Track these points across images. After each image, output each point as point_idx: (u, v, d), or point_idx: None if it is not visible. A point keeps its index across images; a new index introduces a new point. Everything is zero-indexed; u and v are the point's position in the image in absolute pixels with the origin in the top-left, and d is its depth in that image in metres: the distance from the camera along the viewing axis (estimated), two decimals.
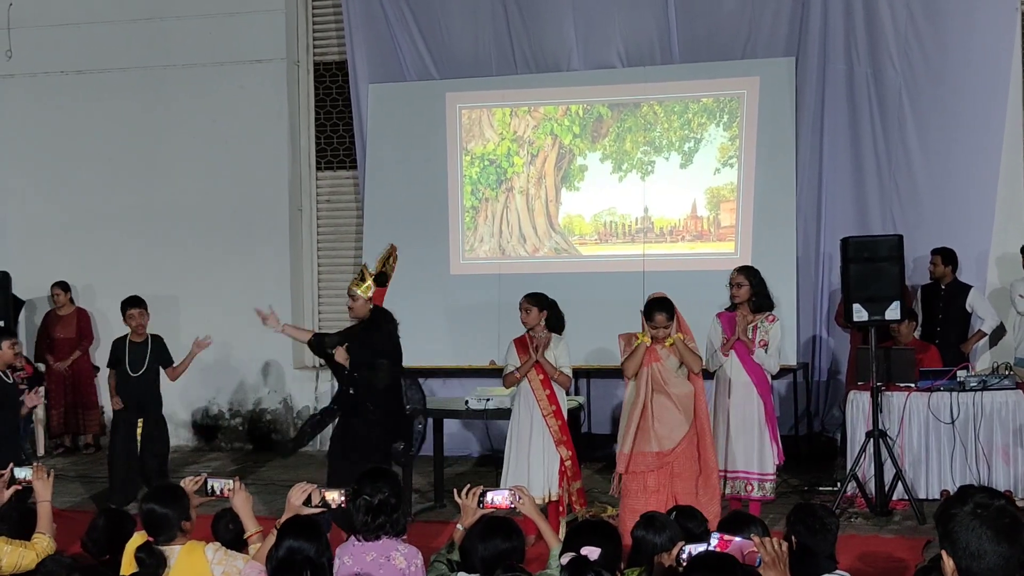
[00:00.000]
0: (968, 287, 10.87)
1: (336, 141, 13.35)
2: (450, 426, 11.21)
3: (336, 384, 8.80)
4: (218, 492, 5.35)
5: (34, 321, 13.18)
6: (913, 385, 9.51)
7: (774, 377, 9.12)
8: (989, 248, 11.25)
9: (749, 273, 8.96)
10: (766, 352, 8.74)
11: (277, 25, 13.05)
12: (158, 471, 9.84)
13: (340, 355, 8.40)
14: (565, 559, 4.54)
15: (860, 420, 9.50)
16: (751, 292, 8.84)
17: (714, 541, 4.25)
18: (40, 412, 12.52)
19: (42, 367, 12.56)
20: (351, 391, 8.48)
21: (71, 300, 12.89)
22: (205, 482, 5.39)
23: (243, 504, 5.29)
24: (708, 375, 8.96)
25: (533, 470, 8.57)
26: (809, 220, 11.66)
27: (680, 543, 4.54)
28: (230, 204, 13.08)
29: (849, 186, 11.63)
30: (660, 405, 8.07)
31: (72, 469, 11.91)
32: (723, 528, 5.05)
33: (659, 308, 8.11)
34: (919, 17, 11.33)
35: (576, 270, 12.04)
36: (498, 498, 5.22)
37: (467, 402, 9.79)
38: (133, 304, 10.07)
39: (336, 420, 8.80)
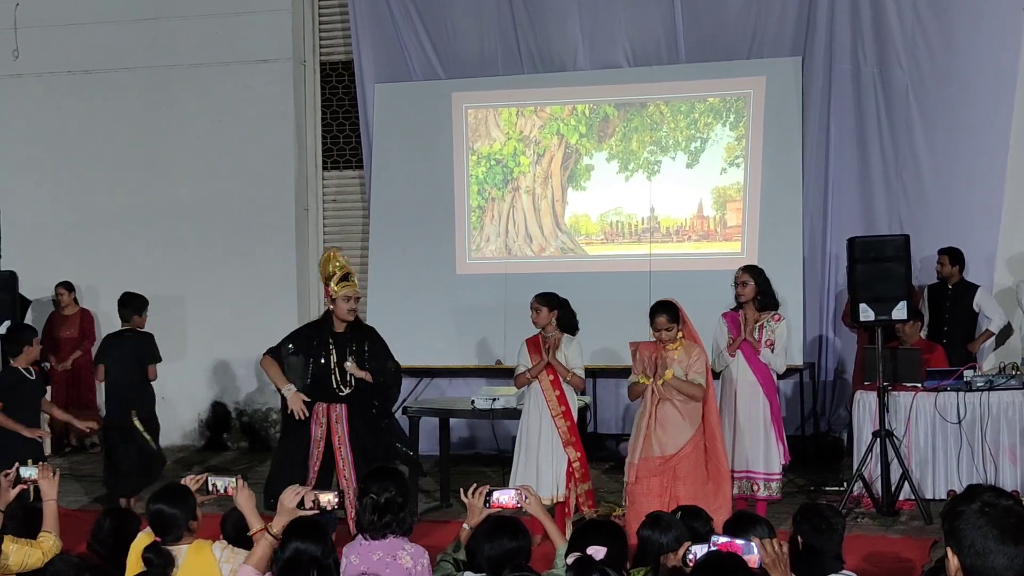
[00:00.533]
0: (975, 287, 10.85)
1: (342, 141, 13.35)
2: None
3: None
4: (221, 490, 5.35)
5: (40, 321, 13.18)
6: (920, 385, 9.50)
7: (780, 377, 9.10)
8: (996, 248, 11.23)
9: (754, 272, 8.95)
10: (772, 351, 8.73)
11: (283, 25, 13.05)
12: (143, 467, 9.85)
13: (358, 371, 8.19)
14: (571, 559, 4.54)
15: (866, 420, 9.49)
16: (756, 291, 8.83)
17: (714, 543, 4.25)
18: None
19: (47, 366, 12.56)
20: (350, 394, 8.29)
21: (75, 300, 12.89)
22: (206, 481, 5.40)
23: (246, 502, 5.28)
24: (714, 375, 8.95)
25: (542, 471, 8.57)
26: (815, 220, 11.65)
27: (686, 543, 4.54)
28: (236, 204, 13.09)
29: (856, 186, 11.62)
30: (664, 412, 8.07)
31: (79, 468, 11.91)
32: (728, 528, 5.05)
33: (661, 310, 8.07)
34: (926, 17, 11.31)
35: (582, 270, 12.04)
36: (504, 497, 5.22)
37: (473, 402, 9.78)
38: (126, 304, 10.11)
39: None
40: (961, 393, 9.36)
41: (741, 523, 5.10)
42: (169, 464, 10.76)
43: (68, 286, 12.81)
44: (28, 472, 6.00)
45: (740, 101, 11.76)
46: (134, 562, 5.29)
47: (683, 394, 8.01)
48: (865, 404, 9.53)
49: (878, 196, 11.53)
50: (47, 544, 5.76)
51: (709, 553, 4.23)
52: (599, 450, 11.37)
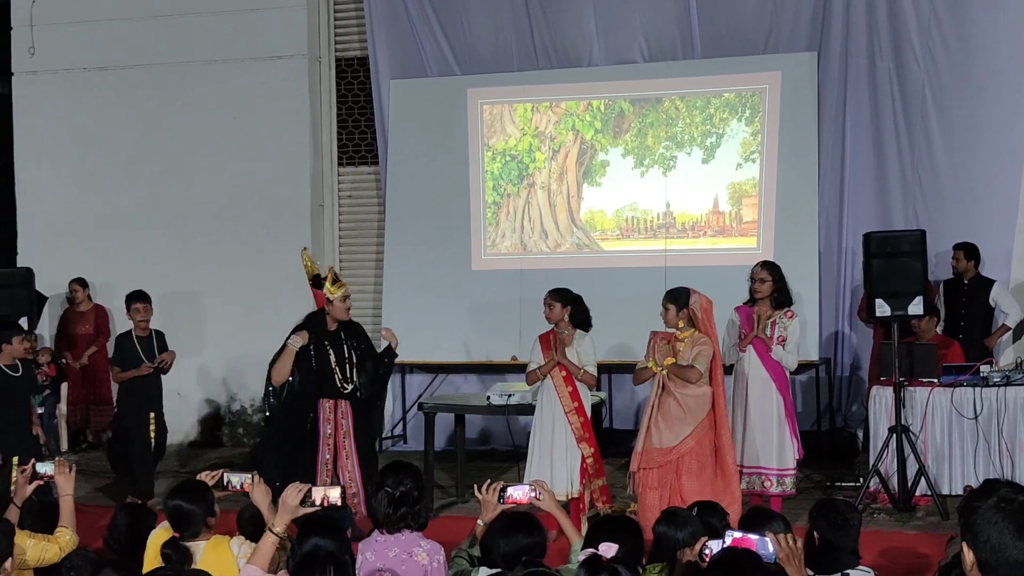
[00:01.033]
0: (991, 282, 10.81)
1: (358, 137, 13.36)
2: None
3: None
4: (237, 486, 5.36)
5: (55, 317, 13.22)
6: (936, 380, 9.47)
7: (794, 373, 9.08)
8: (1012, 242, 11.19)
9: (772, 269, 8.93)
10: (784, 348, 8.71)
11: (299, 21, 13.07)
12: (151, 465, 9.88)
13: (393, 337, 8.52)
14: (582, 556, 4.53)
15: (883, 415, 9.46)
16: (773, 288, 8.81)
17: (728, 539, 4.25)
18: (63, 407, 12.59)
19: (63, 363, 12.60)
20: (352, 391, 8.47)
21: (88, 296, 12.91)
22: (222, 476, 5.41)
23: (262, 498, 5.30)
24: (726, 370, 8.94)
25: (556, 467, 8.57)
26: (831, 215, 11.62)
27: (702, 539, 4.53)
28: (252, 200, 13.10)
29: (871, 181, 11.59)
30: (665, 404, 8.12)
31: (95, 465, 11.93)
32: (745, 523, 5.05)
33: (666, 299, 8.21)
34: (942, 12, 11.27)
35: (598, 265, 12.04)
36: (518, 493, 5.22)
37: (489, 398, 9.79)
38: (138, 299, 10.04)
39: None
40: (978, 388, 9.34)
41: (757, 519, 5.10)
42: (184, 460, 10.77)
43: (82, 282, 12.83)
44: (44, 468, 6.02)
45: (756, 96, 11.74)
46: (152, 557, 5.30)
47: (680, 378, 8.04)
48: (881, 400, 9.51)
49: (894, 191, 11.50)
50: (64, 539, 5.78)
51: (725, 549, 4.22)
52: (614, 446, 11.35)
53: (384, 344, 8.73)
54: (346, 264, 13.37)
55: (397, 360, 9.01)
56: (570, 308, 8.71)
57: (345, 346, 8.45)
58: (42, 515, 6.10)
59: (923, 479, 9.11)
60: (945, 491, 9.30)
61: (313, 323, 8.57)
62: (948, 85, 11.32)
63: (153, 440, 9.97)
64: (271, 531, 5.02)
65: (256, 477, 5.34)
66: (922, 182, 11.43)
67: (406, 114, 12.67)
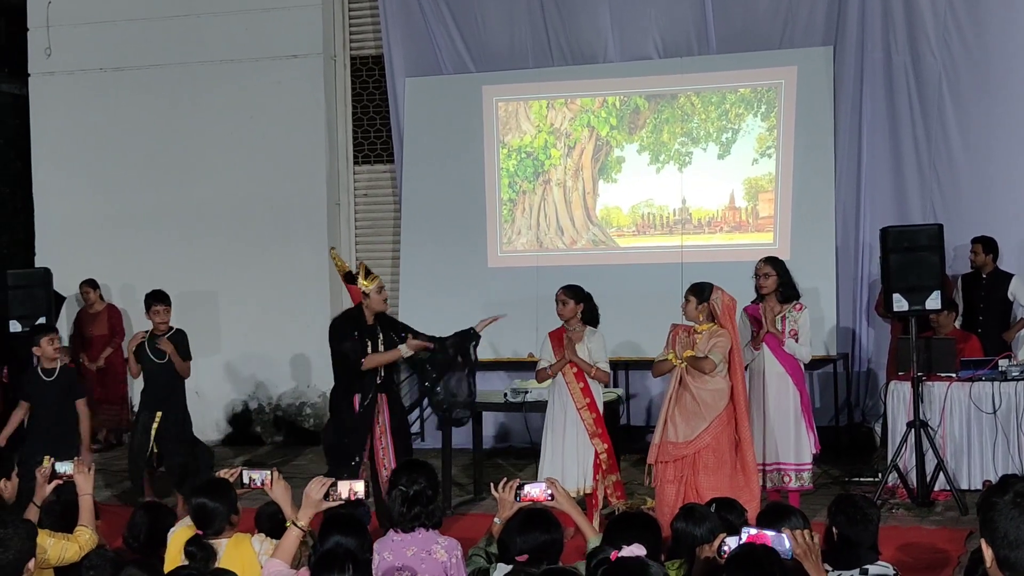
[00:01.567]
0: (1010, 275, 10.77)
1: (373, 135, 13.38)
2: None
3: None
4: (258, 484, 5.38)
5: (70, 319, 13.26)
6: (954, 375, 9.44)
7: (809, 367, 9.07)
8: None
9: (775, 264, 8.93)
10: (797, 341, 8.70)
11: (313, 20, 13.08)
12: (181, 464, 9.73)
13: (419, 345, 8.59)
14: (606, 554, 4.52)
15: (901, 410, 9.44)
16: (778, 283, 8.80)
17: (744, 535, 4.24)
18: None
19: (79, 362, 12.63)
20: (385, 382, 8.63)
21: (101, 297, 12.92)
22: (241, 474, 5.43)
23: (283, 494, 5.32)
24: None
25: (568, 463, 8.57)
26: (848, 210, 11.59)
27: (721, 536, 4.53)
28: (268, 199, 13.13)
29: (888, 175, 11.55)
30: (682, 398, 8.14)
31: (112, 464, 11.97)
32: (762, 519, 5.05)
33: (689, 291, 8.24)
34: (958, 4, 11.23)
35: (614, 262, 12.03)
36: (535, 491, 5.22)
37: (506, 395, 9.79)
38: (157, 299, 9.95)
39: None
40: (996, 383, 9.31)
41: (775, 514, 5.09)
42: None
43: (92, 284, 12.82)
44: (63, 467, 6.04)
45: (771, 91, 11.72)
46: (174, 555, 5.32)
47: (695, 368, 8.05)
48: (899, 394, 9.49)
49: (911, 185, 11.46)
50: (83, 538, 5.80)
51: (743, 545, 4.22)
52: (631, 442, 11.35)
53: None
54: (360, 260, 13.38)
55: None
56: (583, 305, 8.71)
57: (380, 339, 8.53)
58: (62, 514, 6.12)
59: (942, 474, 9.09)
60: (964, 486, 9.27)
61: (354, 318, 8.64)
62: (965, 78, 11.27)
63: (152, 439, 9.78)
64: (295, 525, 5.05)
65: (276, 474, 5.37)
66: (939, 176, 11.39)
67: (421, 112, 12.68)
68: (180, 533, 5.40)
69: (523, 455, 11.56)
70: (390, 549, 5.34)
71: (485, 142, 12.48)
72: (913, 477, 9.22)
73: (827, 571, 4.67)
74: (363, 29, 13.39)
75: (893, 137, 11.51)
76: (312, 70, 13.10)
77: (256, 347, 13.04)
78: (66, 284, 12.73)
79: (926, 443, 9.10)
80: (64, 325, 13.07)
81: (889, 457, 9.38)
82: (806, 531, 4.29)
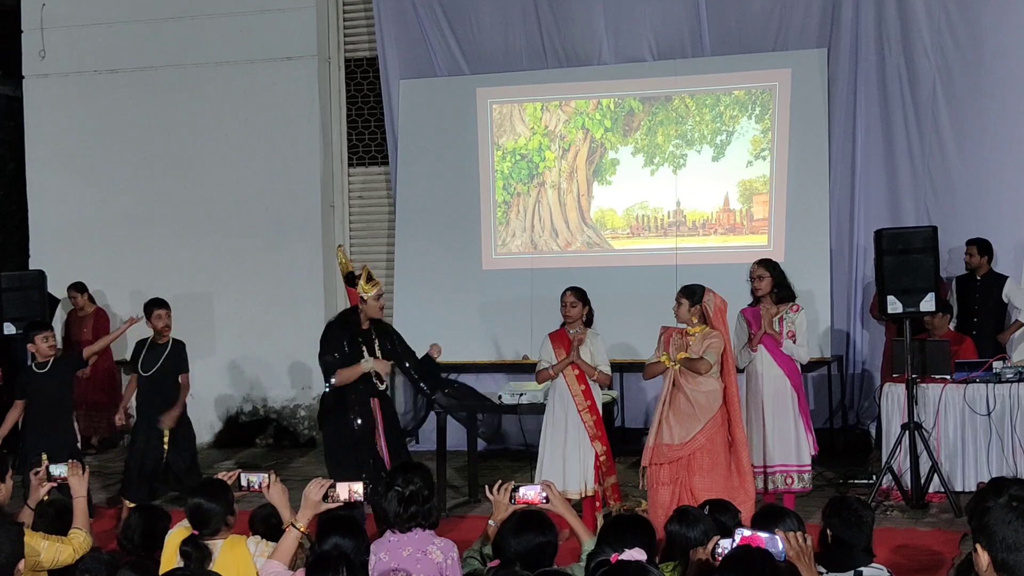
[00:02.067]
0: (1004, 278, 10.79)
1: (368, 137, 13.38)
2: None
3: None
4: (256, 486, 5.38)
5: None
6: (949, 377, 9.45)
7: (806, 369, 9.08)
8: None
9: (769, 266, 8.94)
10: (795, 342, 8.71)
11: (308, 22, 13.08)
12: (187, 470, 9.79)
13: (384, 366, 8.45)
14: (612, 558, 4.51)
15: (895, 413, 9.45)
16: (772, 284, 8.82)
17: (737, 537, 4.24)
18: None
19: None
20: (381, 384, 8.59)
21: (90, 299, 12.86)
22: (239, 477, 5.43)
23: (279, 496, 5.32)
24: (739, 371, 8.94)
25: (569, 465, 8.56)
26: (842, 212, 11.61)
27: (715, 538, 4.53)
28: (262, 201, 13.12)
29: (883, 177, 11.57)
30: (676, 400, 8.11)
31: (108, 467, 11.97)
32: (757, 521, 5.04)
33: (681, 293, 8.21)
34: (952, 6, 11.25)
35: (608, 264, 12.03)
36: (530, 493, 5.22)
37: (500, 397, 9.79)
38: (158, 305, 9.94)
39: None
40: (990, 385, 9.31)
41: (770, 516, 5.09)
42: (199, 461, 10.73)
43: (80, 287, 12.73)
44: (58, 470, 6.04)
45: (766, 94, 11.73)
46: (170, 556, 5.32)
47: (690, 369, 8.03)
48: (894, 396, 9.49)
49: (905, 187, 11.48)
50: (78, 541, 5.79)
51: (737, 548, 4.22)
52: (626, 444, 11.35)
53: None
54: (357, 264, 13.34)
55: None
56: (587, 308, 8.73)
57: (375, 344, 8.51)
58: (56, 517, 6.12)
59: (936, 476, 9.09)
60: (958, 488, 9.28)
61: (348, 321, 8.62)
62: (958, 80, 11.29)
63: (165, 448, 9.82)
64: (294, 526, 5.05)
65: (273, 476, 5.37)
66: (933, 178, 11.41)
67: (416, 114, 12.68)
68: (176, 533, 5.40)
69: (517, 457, 11.56)
70: (386, 550, 5.34)
71: (479, 144, 12.48)
72: (908, 479, 9.23)
73: (821, 573, 4.67)
74: (357, 31, 13.39)
75: (887, 139, 11.53)
76: (306, 72, 13.09)
77: (251, 349, 13.04)
78: (60, 286, 12.73)
79: (920, 445, 9.11)
80: (58, 328, 13.04)
81: (884, 459, 9.39)
82: (799, 533, 4.28)
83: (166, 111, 13.36)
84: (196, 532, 5.29)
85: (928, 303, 9.12)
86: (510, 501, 5.21)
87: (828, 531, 5.22)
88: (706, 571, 4.61)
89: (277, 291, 13.02)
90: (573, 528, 5.36)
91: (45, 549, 5.67)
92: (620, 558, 4.39)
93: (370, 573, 5.21)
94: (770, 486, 8.70)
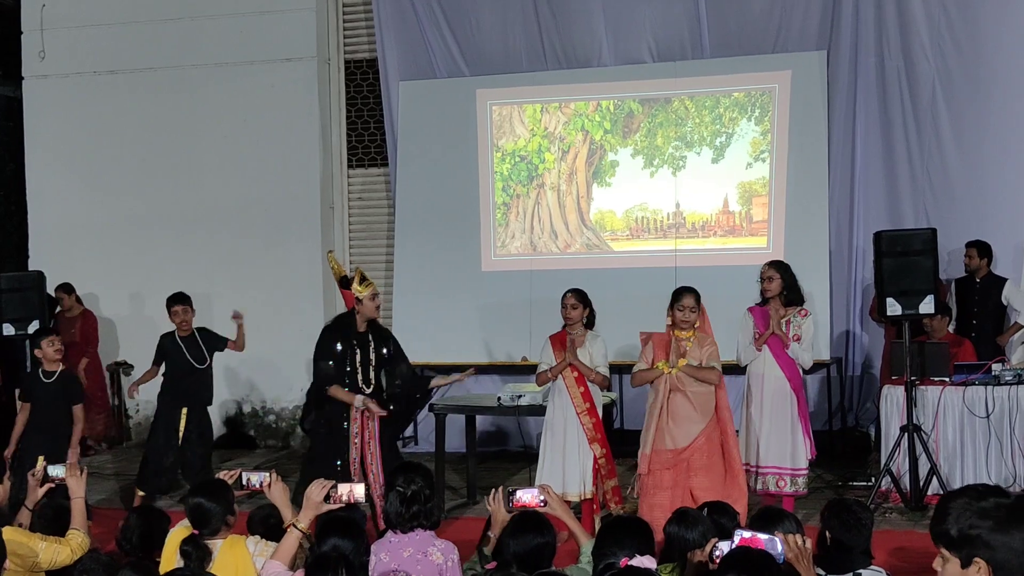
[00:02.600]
0: (1003, 280, 10.79)
1: (367, 139, 13.37)
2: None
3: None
4: (256, 485, 5.40)
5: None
6: (948, 379, 9.45)
7: (807, 372, 9.07)
8: None
9: (780, 267, 8.92)
10: (800, 346, 8.71)
11: (308, 23, 13.08)
12: (201, 467, 9.89)
13: (377, 411, 8.42)
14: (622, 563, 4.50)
15: (894, 415, 9.45)
16: (782, 286, 8.80)
17: (736, 539, 4.24)
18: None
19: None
20: (374, 391, 8.56)
21: (78, 300, 12.80)
22: (240, 476, 5.44)
23: (281, 495, 5.34)
24: (740, 370, 8.94)
25: (568, 468, 8.56)
26: (842, 214, 11.61)
27: (713, 540, 4.53)
28: (262, 202, 13.12)
29: (882, 179, 11.58)
30: (676, 403, 8.09)
31: (106, 468, 11.96)
32: (756, 523, 5.04)
33: (689, 291, 8.17)
34: (951, 9, 11.25)
35: (608, 266, 12.03)
36: (527, 496, 5.22)
37: (499, 398, 9.78)
38: (178, 301, 10.11)
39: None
40: (989, 387, 9.31)
41: (768, 518, 5.09)
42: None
43: (67, 288, 12.68)
44: (56, 471, 6.03)
45: (765, 95, 11.73)
46: (170, 555, 5.33)
47: (699, 379, 8.03)
48: (893, 399, 9.49)
49: (905, 190, 11.49)
50: (76, 542, 5.79)
51: (737, 549, 4.22)
52: (625, 446, 11.34)
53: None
54: (356, 266, 13.37)
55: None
56: (588, 309, 8.73)
57: (371, 347, 8.51)
58: (54, 518, 6.12)
59: (935, 478, 9.09)
60: None
61: (344, 324, 8.63)
62: (958, 82, 11.30)
63: (181, 436, 9.93)
64: (295, 527, 5.06)
65: (274, 475, 5.38)
66: (932, 180, 11.41)
67: (415, 116, 12.68)
68: (177, 533, 5.41)
69: (516, 459, 11.56)
70: (387, 550, 5.34)
71: (479, 146, 12.48)
72: (907, 481, 9.22)
73: (820, 575, 4.67)
74: (357, 33, 13.39)
75: (886, 141, 11.53)
76: (306, 74, 13.10)
77: (250, 350, 12.92)
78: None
79: (919, 447, 9.10)
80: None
81: (882, 461, 9.39)
82: (798, 535, 4.28)
83: (166, 112, 13.36)
84: (196, 532, 5.30)
85: (927, 305, 9.12)
86: (507, 504, 5.21)
87: (827, 533, 5.22)
88: (704, 573, 4.61)
89: (276, 292, 13.02)
90: (571, 530, 5.35)
91: (43, 550, 5.67)
92: (630, 563, 4.40)
93: (370, 574, 5.22)
94: (759, 486, 8.69)
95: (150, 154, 13.42)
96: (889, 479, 9.27)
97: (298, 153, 13.09)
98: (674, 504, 7.59)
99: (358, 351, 8.47)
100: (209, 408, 10.37)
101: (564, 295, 8.76)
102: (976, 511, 3.34)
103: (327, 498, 5.13)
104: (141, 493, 9.78)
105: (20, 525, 5.94)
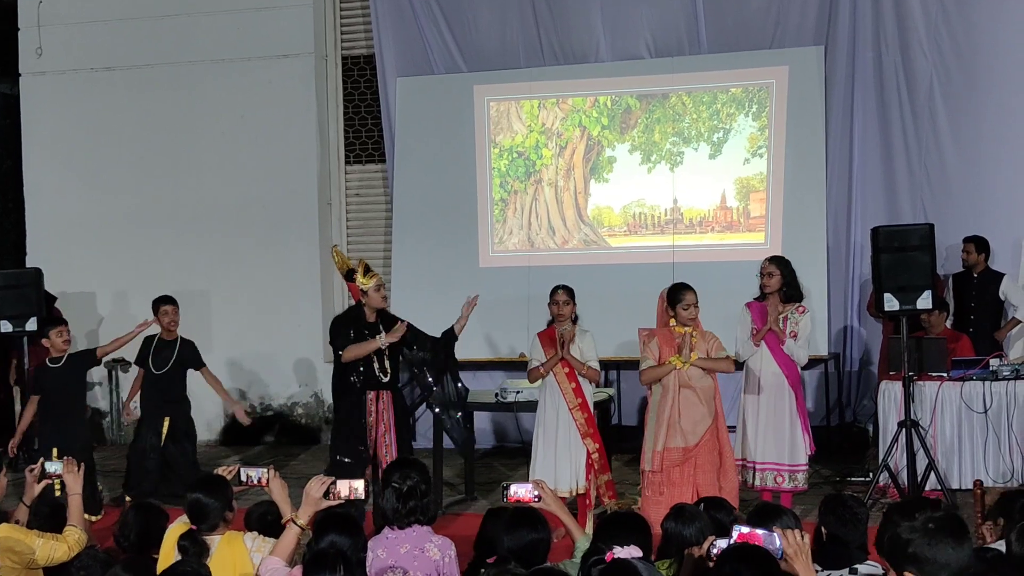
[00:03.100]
0: (1001, 275, 10.79)
1: (365, 135, 13.36)
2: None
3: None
4: (255, 481, 5.41)
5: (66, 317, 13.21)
6: (945, 375, 9.45)
7: (804, 368, 9.07)
8: (1022, 235, 11.16)
9: (780, 263, 8.91)
10: (796, 343, 8.70)
11: (305, 19, 13.08)
12: (190, 464, 9.88)
13: (395, 335, 8.61)
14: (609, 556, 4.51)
15: (892, 410, 9.45)
16: (782, 282, 8.80)
17: (735, 534, 4.25)
18: None
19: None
20: (391, 381, 8.70)
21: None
22: (238, 472, 5.45)
23: (280, 491, 5.35)
24: (738, 366, 8.94)
25: (560, 463, 8.55)
26: (839, 209, 11.61)
27: (711, 537, 4.53)
28: (259, 199, 13.12)
29: (879, 175, 11.57)
30: (686, 400, 8.05)
31: (104, 465, 11.94)
32: (754, 519, 5.04)
33: (688, 287, 8.16)
34: (948, 3, 11.24)
35: (605, 262, 12.03)
36: (521, 491, 5.22)
37: (497, 394, 9.78)
38: (165, 301, 10.07)
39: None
40: (987, 382, 9.32)
41: (766, 514, 5.09)
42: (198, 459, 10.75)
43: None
44: (53, 467, 6.04)
45: (763, 91, 11.72)
46: (168, 550, 5.34)
47: (715, 370, 8.07)
48: (891, 394, 9.50)
49: (902, 185, 11.48)
50: (73, 538, 5.79)
51: (735, 544, 4.22)
52: (623, 442, 11.35)
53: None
54: (354, 262, 13.35)
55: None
56: (575, 306, 8.73)
57: (383, 335, 8.64)
58: (50, 515, 6.12)
59: (933, 474, 9.09)
60: (955, 486, 9.29)
61: (354, 315, 8.73)
62: (955, 77, 11.29)
63: (163, 437, 9.92)
64: (295, 523, 5.07)
65: (272, 471, 5.39)
66: (930, 175, 11.40)
67: (413, 112, 12.67)
68: (176, 528, 5.43)
69: (514, 455, 11.56)
70: (384, 547, 5.34)
71: (476, 142, 12.47)
72: (904, 477, 9.22)
73: (817, 571, 4.67)
74: (354, 29, 13.38)
75: (884, 137, 11.52)
76: (303, 70, 13.09)
77: (248, 346, 13.03)
78: (57, 284, 12.70)
79: (917, 443, 9.10)
80: None
81: (880, 457, 9.39)
82: (796, 531, 4.29)
83: (163, 109, 13.36)
84: (194, 527, 5.30)
85: (925, 301, 9.12)
86: (502, 499, 5.22)
87: (823, 529, 5.22)
88: (702, 569, 4.61)
89: (274, 289, 13.02)
90: (566, 526, 5.36)
91: (40, 547, 5.68)
92: (616, 556, 4.40)
93: (367, 570, 5.22)
94: (758, 482, 8.70)
95: (147, 151, 13.42)
96: (887, 475, 9.27)
97: (296, 149, 13.08)
98: (683, 500, 7.58)
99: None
100: (192, 412, 10.29)
101: (555, 291, 8.74)
102: (907, 527, 3.42)
103: (327, 494, 5.13)
104: (128, 498, 9.74)
105: (17, 522, 5.94)
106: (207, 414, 13.00)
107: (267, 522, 5.72)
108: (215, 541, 5.27)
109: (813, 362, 10.97)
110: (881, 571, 5.09)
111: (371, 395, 8.64)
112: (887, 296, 9.13)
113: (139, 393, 10.09)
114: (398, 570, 5.25)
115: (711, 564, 4.35)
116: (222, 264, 13.14)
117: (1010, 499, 5.35)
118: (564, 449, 8.57)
